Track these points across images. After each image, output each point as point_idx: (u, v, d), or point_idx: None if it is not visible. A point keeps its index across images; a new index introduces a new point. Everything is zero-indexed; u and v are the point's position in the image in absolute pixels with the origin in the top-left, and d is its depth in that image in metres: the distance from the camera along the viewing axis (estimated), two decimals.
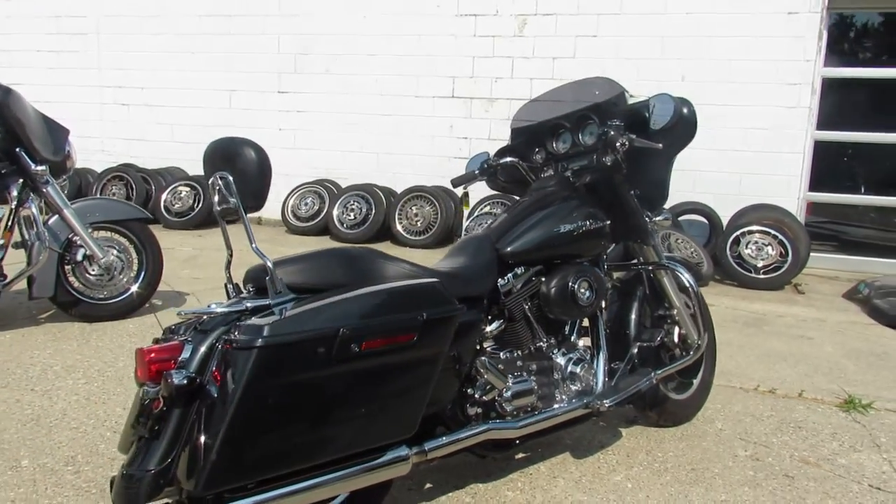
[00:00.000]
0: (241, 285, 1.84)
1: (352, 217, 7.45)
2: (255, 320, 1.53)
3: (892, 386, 3.46)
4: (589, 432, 2.63)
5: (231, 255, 1.87)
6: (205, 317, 1.65)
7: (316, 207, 7.79)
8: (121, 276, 3.86)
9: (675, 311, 2.60)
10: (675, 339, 2.59)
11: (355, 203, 7.49)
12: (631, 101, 2.42)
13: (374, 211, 7.37)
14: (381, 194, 7.48)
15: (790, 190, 6.82)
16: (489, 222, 2.41)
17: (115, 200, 4.65)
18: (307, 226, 7.74)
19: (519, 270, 2.21)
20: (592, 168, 2.45)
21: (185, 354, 1.59)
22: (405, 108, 7.79)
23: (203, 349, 1.59)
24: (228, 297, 1.85)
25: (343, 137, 8.09)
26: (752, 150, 6.87)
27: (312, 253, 1.80)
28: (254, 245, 1.68)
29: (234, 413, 1.40)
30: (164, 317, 4.00)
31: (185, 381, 1.51)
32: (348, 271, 1.78)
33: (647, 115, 2.31)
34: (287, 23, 8.09)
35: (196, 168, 8.26)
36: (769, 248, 5.96)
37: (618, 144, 2.17)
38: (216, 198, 1.77)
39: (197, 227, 7.69)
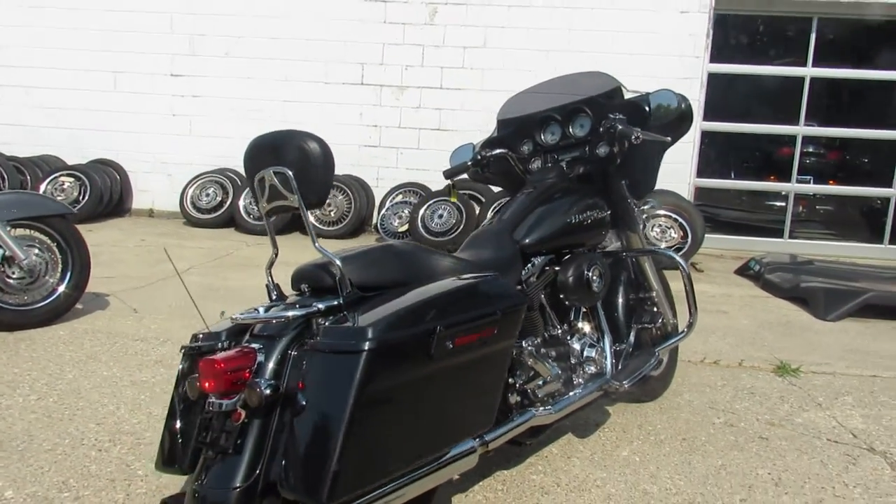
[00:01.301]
0: (273, 283, 1.76)
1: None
2: (351, 323, 1.46)
3: (807, 351, 3.87)
4: (582, 413, 2.75)
5: (276, 255, 1.78)
6: (273, 321, 1.55)
7: (219, 198, 7.42)
8: (46, 278, 3.50)
9: (654, 294, 2.76)
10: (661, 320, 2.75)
11: None
12: (627, 95, 2.53)
13: None
14: None
15: (682, 176, 7.36)
16: (496, 214, 2.44)
17: (34, 194, 4.19)
18: (210, 218, 7.37)
19: (536, 261, 2.26)
20: (586, 159, 2.54)
21: (259, 360, 1.50)
22: (312, 95, 7.58)
23: (276, 355, 1.51)
24: (270, 299, 1.76)
25: (245, 125, 7.73)
26: None
27: (369, 249, 1.75)
28: (316, 244, 1.61)
29: (350, 420, 1.34)
30: (163, 322, 3.68)
31: (272, 391, 1.43)
32: (406, 267, 1.75)
33: (646, 108, 2.43)
34: (180, 0, 7.58)
35: (76, 156, 7.59)
36: (671, 230, 6.43)
37: (633, 138, 2.27)
38: (265, 194, 1.68)
39: (83, 222, 7.06)
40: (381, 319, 1.45)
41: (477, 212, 6.69)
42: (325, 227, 7.11)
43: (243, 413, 1.45)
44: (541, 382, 2.08)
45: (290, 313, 1.54)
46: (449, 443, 1.62)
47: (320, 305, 1.57)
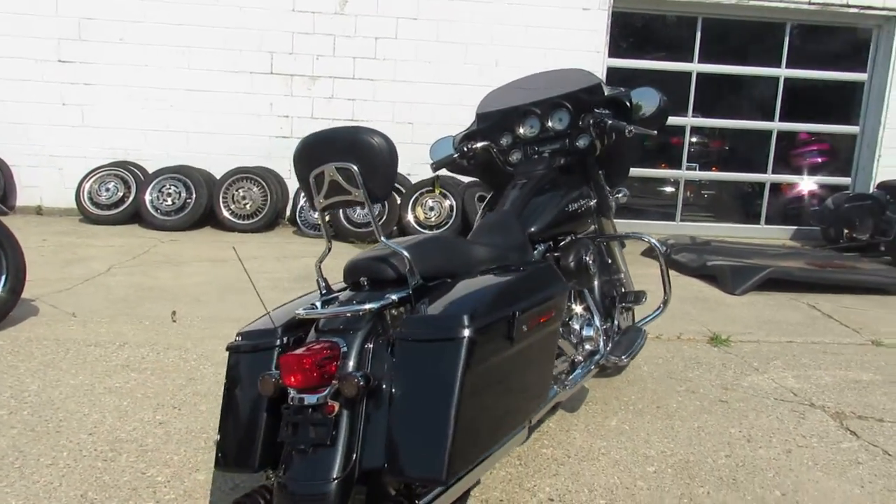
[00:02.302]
0: (323, 278, 1.79)
1: (169, 203, 6.82)
2: (433, 312, 1.53)
3: (728, 322, 4.29)
4: None
5: (329, 250, 1.80)
6: (348, 314, 1.58)
7: (120, 193, 6.99)
8: None
9: (622, 275, 2.99)
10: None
11: (172, 187, 6.87)
12: (608, 91, 2.70)
13: (194, 195, 6.83)
14: (199, 177, 6.95)
15: None
16: (489, 205, 2.55)
17: None
18: (111, 214, 6.93)
19: (539, 248, 2.39)
20: (567, 151, 2.70)
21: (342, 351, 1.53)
22: (219, 84, 7.29)
23: (357, 347, 1.54)
24: (322, 292, 1.78)
25: (144, 115, 7.31)
26: None
27: (422, 241, 1.80)
28: (382, 238, 1.65)
29: (458, 402, 1.41)
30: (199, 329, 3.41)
31: (366, 381, 1.47)
32: (455, 257, 1.83)
33: (627, 103, 2.61)
34: None
35: None
36: None
37: (626, 132, 2.44)
38: (323, 190, 1.69)
39: None
40: (471, 307, 1.52)
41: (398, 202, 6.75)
42: (240, 221, 6.89)
43: (336, 405, 1.48)
44: (569, 359, 2.22)
45: (368, 305, 1.57)
46: (523, 419, 1.72)
47: (394, 296, 1.62)
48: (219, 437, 1.67)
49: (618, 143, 2.65)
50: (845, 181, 8.49)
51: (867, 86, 8.26)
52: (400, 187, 6.96)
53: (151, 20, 7.15)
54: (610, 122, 2.49)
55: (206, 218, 6.92)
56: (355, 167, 1.62)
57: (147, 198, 6.81)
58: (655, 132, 2.58)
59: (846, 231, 7.55)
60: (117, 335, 3.39)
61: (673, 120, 8.36)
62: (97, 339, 3.33)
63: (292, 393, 1.51)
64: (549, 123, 2.76)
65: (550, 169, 2.65)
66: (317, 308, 1.66)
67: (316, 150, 1.70)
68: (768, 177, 8.45)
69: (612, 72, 7.75)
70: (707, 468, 2.33)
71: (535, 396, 1.81)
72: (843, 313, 4.60)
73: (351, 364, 1.53)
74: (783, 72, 8.17)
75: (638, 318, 3.07)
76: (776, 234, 8.25)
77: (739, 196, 9.05)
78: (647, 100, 2.59)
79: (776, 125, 8.32)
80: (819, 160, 8.66)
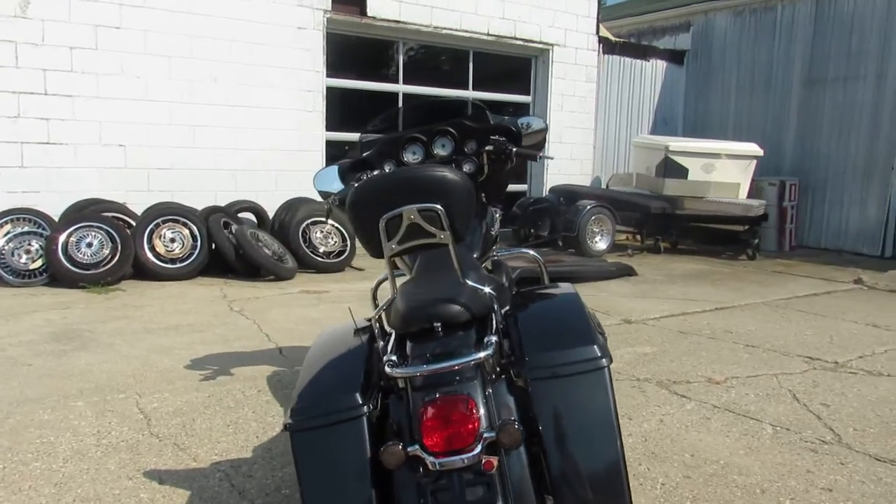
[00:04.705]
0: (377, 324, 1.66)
1: None
2: (563, 345, 1.53)
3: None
4: None
5: (394, 298, 1.64)
6: (456, 366, 1.48)
7: None
8: None
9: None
10: None
11: None
12: (493, 119, 2.84)
13: None
14: None
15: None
16: None
17: None
18: None
19: None
20: None
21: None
22: None
23: (481, 395, 1.47)
24: (382, 340, 1.64)
25: None
26: (283, 149, 7.53)
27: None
28: (463, 280, 1.58)
29: (619, 428, 1.45)
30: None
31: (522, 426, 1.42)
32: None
33: (514, 129, 2.79)
34: None
35: None
36: (331, 236, 6.81)
37: (539, 156, 2.61)
38: (399, 233, 1.55)
39: None
40: (589, 335, 1.56)
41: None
42: None
43: (495, 460, 1.39)
44: None
45: (483, 353, 1.50)
46: None
47: (493, 338, 1.56)
48: None
49: (503, 167, 2.83)
50: (523, 188, 9.96)
51: (531, 107, 9.83)
52: (128, 219, 6.07)
53: None
54: (515, 148, 2.65)
55: None
56: (441, 208, 1.52)
57: None
58: (553, 157, 2.83)
59: (532, 230, 8.91)
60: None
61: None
62: None
63: (429, 458, 1.38)
64: (434, 150, 2.81)
65: None
66: (401, 365, 1.52)
67: (386, 194, 1.55)
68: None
69: (331, 91, 7.86)
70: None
71: None
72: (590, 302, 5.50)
73: (482, 413, 1.45)
74: (471, 93, 9.24)
75: None
76: None
77: None
78: (536, 125, 2.82)
79: None
80: None
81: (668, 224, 8.94)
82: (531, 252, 3.08)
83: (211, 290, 5.54)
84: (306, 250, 6.55)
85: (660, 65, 10.97)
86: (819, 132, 9.56)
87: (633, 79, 10.68)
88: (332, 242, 6.77)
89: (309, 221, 6.73)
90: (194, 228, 6.04)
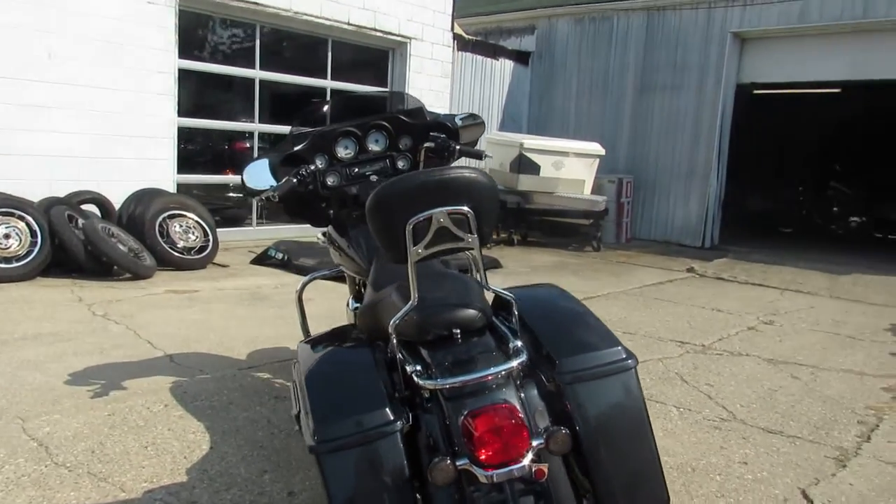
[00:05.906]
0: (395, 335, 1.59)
1: None
2: (589, 347, 1.56)
3: None
4: None
5: (414, 307, 1.56)
6: (490, 377, 1.46)
7: None
8: None
9: None
10: None
11: None
12: (430, 116, 2.79)
13: None
14: None
15: (165, 173, 7.19)
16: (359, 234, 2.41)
17: None
18: None
19: None
20: (388, 173, 2.72)
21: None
22: None
23: (518, 401, 1.47)
24: (399, 354, 1.58)
25: None
26: (129, 135, 6.86)
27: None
28: (490, 287, 1.57)
29: (650, 423, 1.51)
30: None
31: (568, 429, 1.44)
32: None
33: (451, 126, 2.75)
34: None
35: None
36: (192, 231, 6.32)
37: (482, 156, 2.60)
38: (427, 237, 1.49)
39: None
40: (609, 339, 1.60)
41: None
42: None
43: (545, 467, 1.39)
44: None
45: (516, 362, 1.49)
46: None
47: (519, 343, 1.56)
48: None
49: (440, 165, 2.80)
50: None
51: None
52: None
53: None
54: (458, 147, 2.63)
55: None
56: (470, 211, 1.49)
57: None
58: (492, 156, 2.83)
59: None
60: None
61: (242, 126, 8.37)
62: None
63: (480, 471, 1.35)
64: (368, 145, 2.72)
65: None
66: (431, 376, 1.48)
67: (411, 196, 1.47)
68: None
69: (183, 73, 7.27)
70: None
71: None
72: None
73: (525, 420, 1.44)
74: (329, 83, 9.01)
75: None
76: None
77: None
78: (471, 123, 2.80)
79: None
80: None
81: (520, 218, 9.37)
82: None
83: (61, 293, 4.91)
84: (164, 246, 6.01)
85: (507, 64, 11.43)
86: (649, 135, 10.53)
87: (483, 76, 11.03)
88: (194, 238, 6.28)
89: (166, 215, 6.19)
90: (32, 222, 5.30)
